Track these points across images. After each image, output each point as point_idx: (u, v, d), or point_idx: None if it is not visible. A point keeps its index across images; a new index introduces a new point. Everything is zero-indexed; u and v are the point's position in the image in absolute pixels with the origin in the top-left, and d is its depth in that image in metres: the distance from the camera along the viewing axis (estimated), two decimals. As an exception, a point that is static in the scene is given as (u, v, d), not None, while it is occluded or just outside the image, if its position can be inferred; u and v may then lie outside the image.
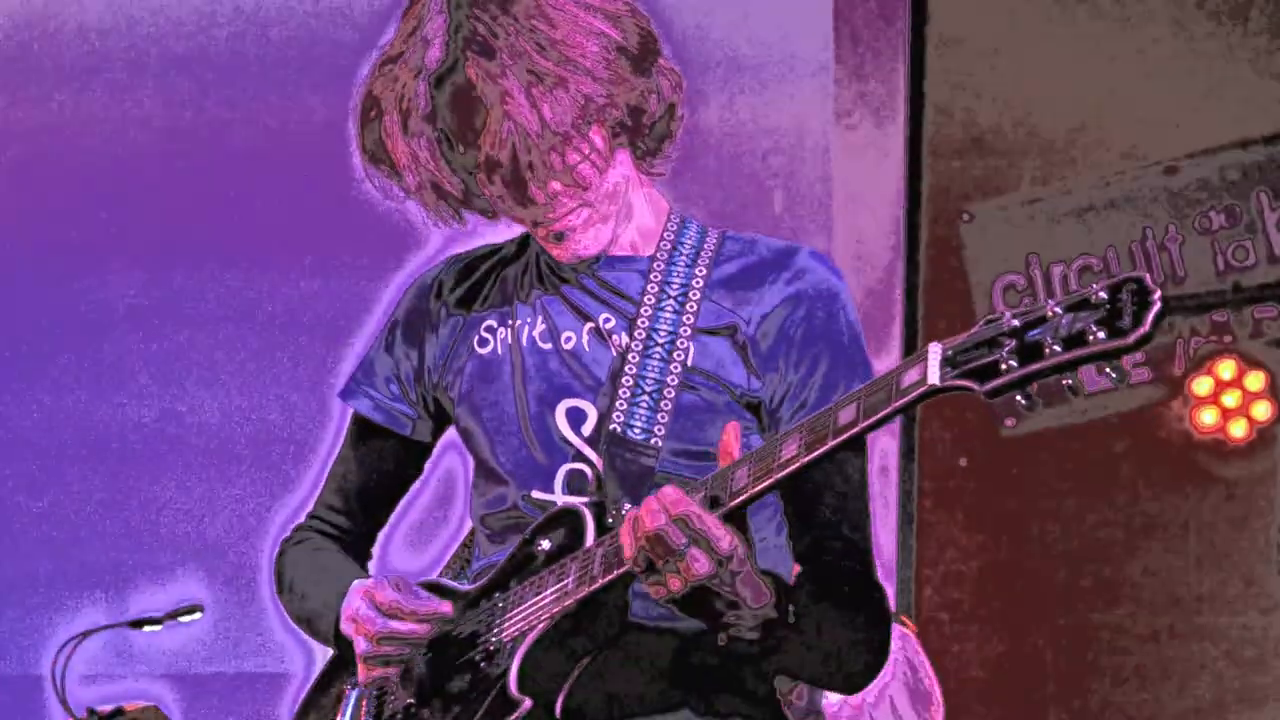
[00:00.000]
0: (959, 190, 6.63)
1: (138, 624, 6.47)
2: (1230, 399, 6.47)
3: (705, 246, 3.35)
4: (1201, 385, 6.47)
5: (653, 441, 3.25)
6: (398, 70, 3.24)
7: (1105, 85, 6.53)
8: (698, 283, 3.32)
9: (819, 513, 3.27)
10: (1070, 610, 6.58)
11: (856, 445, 3.17)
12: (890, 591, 6.54)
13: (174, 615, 6.48)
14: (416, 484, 3.58)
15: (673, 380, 3.26)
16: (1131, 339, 2.71)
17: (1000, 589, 6.61)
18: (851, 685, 3.26)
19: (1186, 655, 6.53)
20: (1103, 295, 2.74)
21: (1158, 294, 2.69)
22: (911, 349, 6.53)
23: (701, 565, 3.00)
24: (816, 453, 2.96)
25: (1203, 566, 6.53)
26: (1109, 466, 6.57)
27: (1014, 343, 2.79)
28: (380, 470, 3.55)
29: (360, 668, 3.33)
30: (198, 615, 6.51)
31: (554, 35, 3.18)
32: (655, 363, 3.27)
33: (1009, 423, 6.59)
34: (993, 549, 6.62)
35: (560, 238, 3.29)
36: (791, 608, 3.09)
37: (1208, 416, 6.47)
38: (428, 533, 5.46)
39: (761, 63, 6.68)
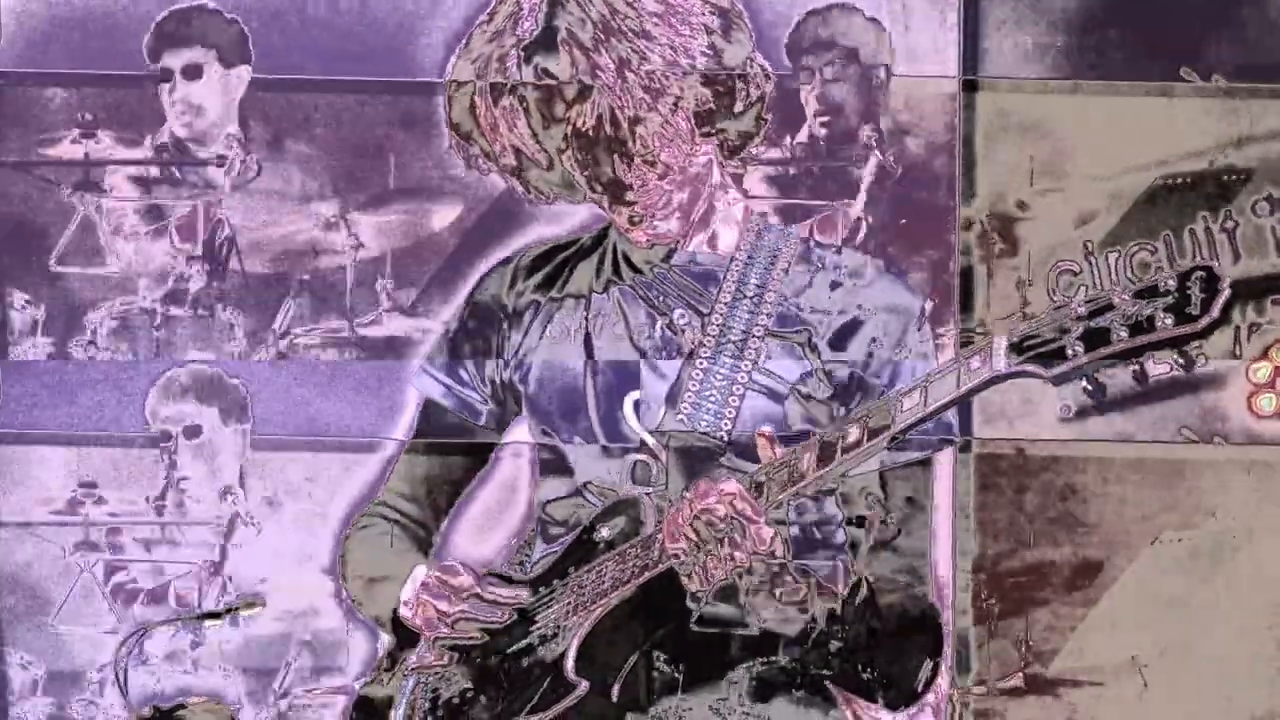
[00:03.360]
0: (1013, 177, 6.61)
1: (200, 618, 6.49)
2: (1289, 384, 6.45)
3: (784, 251, 3.36)
4: (1260, 371, 6.44)
5: (719, 436, 3.27)
6: (491, 42, 3.26)
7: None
8: (775, 285, 3.34)
9: (877, 525, 3.29)
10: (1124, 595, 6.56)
11: (922, 460, 3.21)
12: (949, 581, 6.51)
13: (236, 610, 6.50)
14: (482, 473, 3.59)
15: (742, 379, 3.29)
16: (1201, 324, 2.72)
17: (1053, 577, 6.59)
18: (899, 699, 3.28)
19: (1246, 643, 6.51)
20: (1171, 283, 2.76)
21: (1227, 281, 2.71)
22: (966, 336, 6.53)
23: (741, 550, 3.02)
24: (881, 438, 2.98)
25: (1260, 554, 6.51)
26: (1164, 452, 6.55)
27: (1081, 328, 2.81)
28: (447, 457, 3.57)
29: (424, 650, 3.35)
30: (260, 610, 6.52)
31: (649, 15, 3.20)
32: (727, 360, 3.29)
33: (1065, 409, 6.56)
34: (1046, 537, 6.60)
35: (639, 220, 3.31)
36: (824, 602, 3.11)
37: (1266, 402, 6.45)
38: (491, 524, 5.46)
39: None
